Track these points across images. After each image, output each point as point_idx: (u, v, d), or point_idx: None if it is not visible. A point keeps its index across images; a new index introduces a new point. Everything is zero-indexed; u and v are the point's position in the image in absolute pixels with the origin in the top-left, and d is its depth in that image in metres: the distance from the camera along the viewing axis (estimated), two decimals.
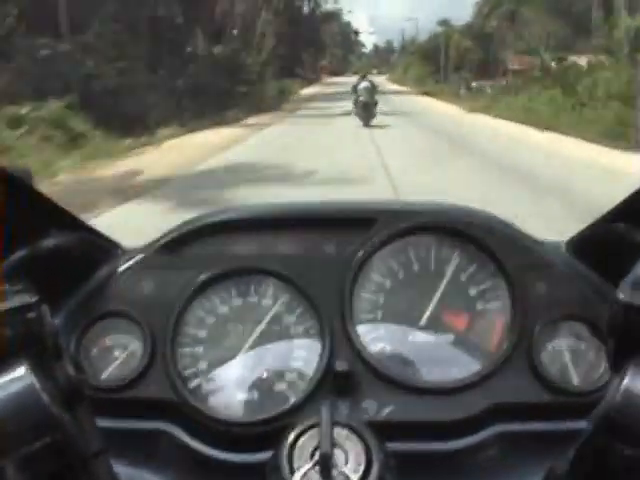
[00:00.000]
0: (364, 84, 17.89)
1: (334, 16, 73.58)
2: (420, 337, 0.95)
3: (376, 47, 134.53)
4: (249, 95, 25.58)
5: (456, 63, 41.04)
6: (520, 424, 0.91)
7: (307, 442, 0.66)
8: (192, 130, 16.27)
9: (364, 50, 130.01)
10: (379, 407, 0.90)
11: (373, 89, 17.91)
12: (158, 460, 0.90)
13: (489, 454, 0.89)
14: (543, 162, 10.19)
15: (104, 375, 0.94)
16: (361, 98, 17.46)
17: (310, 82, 58.24)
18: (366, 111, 17.25)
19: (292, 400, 0.90)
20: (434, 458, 0.89)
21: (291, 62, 48.44)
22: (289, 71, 46.65)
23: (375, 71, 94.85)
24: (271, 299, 0.97)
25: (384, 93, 32.27)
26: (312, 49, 62.35)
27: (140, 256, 1.02)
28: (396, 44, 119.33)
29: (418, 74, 51.09)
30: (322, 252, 1.01)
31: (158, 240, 1.03)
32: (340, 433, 0.66)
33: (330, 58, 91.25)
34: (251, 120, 20.76)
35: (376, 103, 17.68)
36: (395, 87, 51.31)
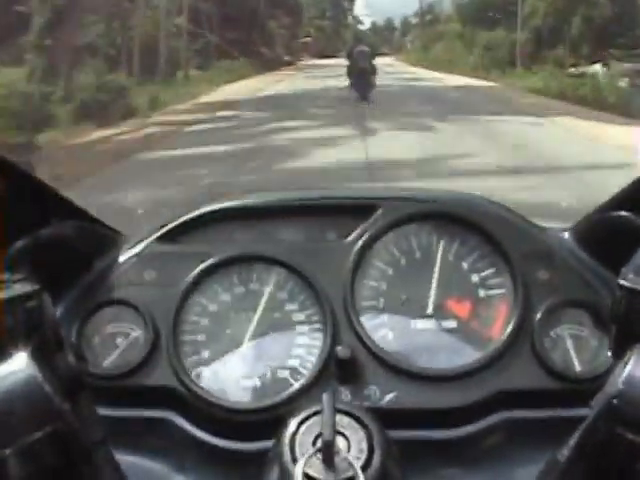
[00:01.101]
0: (360, 47, 15.18)
1: None
2: (422, 324, 0.95)
3: (374, 25, 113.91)
4: None
5: (549, 31, 21.24)
6: (523, 411, 0.91)
7: (309, 429, 0.66)
8: None
9: (361, 27, 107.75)
10: (381, 394, 0.90)
11: (372, 54, 15.31)
12: (160, 448, 0.90)
13: (492, 441, 0.89)
14: None
15: (106, 363, 0.94)
16: (358, 64, 14.51)
17: (275, 66, 35.40)
18: (363, 80, 14.46)
19: (294, 387, 0.90)
20: (437, 445, 0.89)
21: (247, 35, 31.36)
22: (247, 49, 30.18)
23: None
24: (273, 286, 0.97)
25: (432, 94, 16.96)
26: (285, 16, 41.40)
27: (142, 244, 1.02)
28: (397, 22, 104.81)
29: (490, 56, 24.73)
30: (324, 239, 1.01)
31: (160, 228, 1.03)
32: (342, 420, 0.66)
33: (317, 33, 71.32)
34: None
35: (375, 71, 15.05)
36: (433, 75, 27.15)
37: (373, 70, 14.92)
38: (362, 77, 14.45)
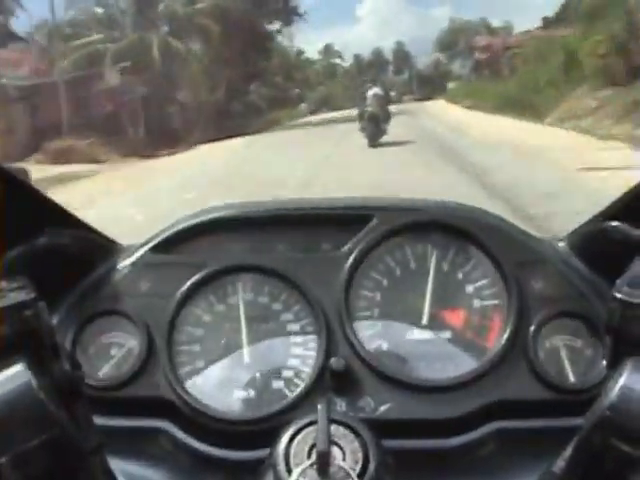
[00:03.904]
0: (374, 90, 14.53)
1: None
2: (417, 334, 0.95)
3: (357, 60, 77.61)
4: None
5: None
6: (517, 421, 0.91)
7: (304, 440, 0.66)
8: None
9: (340, 62, 74.23)
10: (376, 405, 0.90)
11: (386, 97, 14.80)
12: (155, 458, 0.89)
13: (486, 451, 0.89)
14: None
15: (101, 373, 0.94)
16: (369, 108, 13.97)
17: None
18: (374, 125, 13.88)
19: (289, 398, 0.90)
20: (431, 456, 0.89)
21: None
22: None
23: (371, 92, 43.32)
24: (268, 297, 0.97)
25: None
26: None
27: (137, 254, 1.01)
28: (388, 54, 74.85)
29: None
30: (319, 249, 1.01)
31: (155, 238, 1.03)
32: (337, 431, 0.66)
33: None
34: None
35: (388, 118, 14.53)
36: None
37: (386, 117, 14.33)
38: (372, 122, 13.93)
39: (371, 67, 72.21)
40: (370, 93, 14.41)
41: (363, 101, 14.48)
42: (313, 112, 36.66)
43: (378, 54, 76.56)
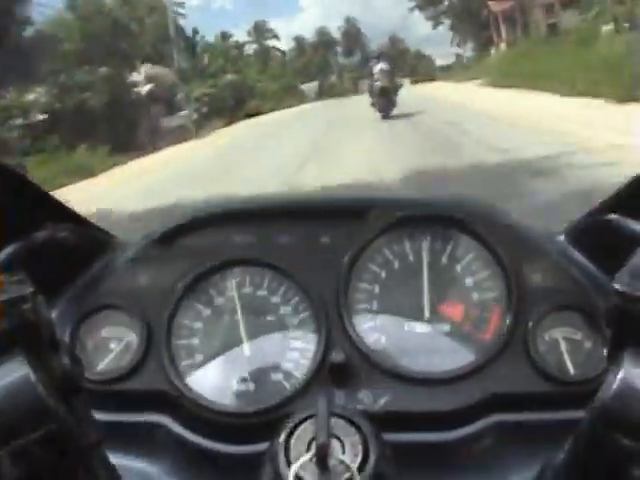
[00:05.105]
0: (380, 65, 14.63)
1: None
2: (416, 327, 0.95)
3: (298, 42, 60.34)
4: None
5: None
6: (517, 414, 0.91)
7: (304, 433, 0.66)
8: None
9: (278, 46, 57.59)
10: (375, 397, 0.90)
11: (393, 71, 14.95)
12: (154, 452, 0.89)
13: (485, 444, 0.89)
14: None
15: (100, 367, 0.94)
16: (378, 82, 14.14)
17: None
18: (384, 98, 14.10)
19: (288, 390, 0.90)
20: (431, 448, 0.89)
21: None
22: None
23: (311, 85, 43.22)
24: (267, 290, 0.97)
25: None
26: None
27: (136, 248, 1.01)
28: (336, 33, 60.20)
29: None
30: (318, 242, 1.01)
31: (154, 232, 1.03)
32: (336, 423, 0.66)
33: None
34: None
35: (397, 90, 14.71)
36: None
37: (395, 89, 14.59)
38: (383, 95, 14.16)
39: (316, 49, 58.29)
40: (377, 69, 14.56)
41: (371, 77, 14.68)
42: (201, 124, 21.88)
43: (323, 34, 60.07)
